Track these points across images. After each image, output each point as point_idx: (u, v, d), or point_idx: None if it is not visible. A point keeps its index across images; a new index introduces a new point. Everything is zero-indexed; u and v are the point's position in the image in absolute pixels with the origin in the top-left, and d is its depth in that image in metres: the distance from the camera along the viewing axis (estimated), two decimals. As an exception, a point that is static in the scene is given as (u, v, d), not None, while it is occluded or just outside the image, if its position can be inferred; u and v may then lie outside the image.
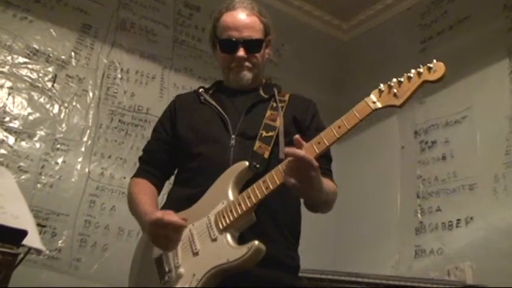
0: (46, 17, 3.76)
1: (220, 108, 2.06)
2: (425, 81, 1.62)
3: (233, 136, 1.96)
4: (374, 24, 4.97)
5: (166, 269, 1.82)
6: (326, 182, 1.84)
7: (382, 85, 1.68)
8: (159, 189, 2.11)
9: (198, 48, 4.35)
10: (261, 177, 1.78)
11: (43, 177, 3.48)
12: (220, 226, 1.76)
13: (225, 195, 1.81)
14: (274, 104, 2.06)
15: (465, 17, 4.05)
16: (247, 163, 1.84)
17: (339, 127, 1.68)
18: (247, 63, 2.08)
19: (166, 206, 2.01)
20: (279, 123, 1.97)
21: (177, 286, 1.75)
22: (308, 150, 1.67)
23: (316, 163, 1.65)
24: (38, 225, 2.96)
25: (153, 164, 2.13)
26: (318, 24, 5.16)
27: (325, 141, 1.68)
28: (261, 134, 1.95)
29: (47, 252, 3.37)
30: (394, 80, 1.66)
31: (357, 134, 4.19)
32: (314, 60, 4.98)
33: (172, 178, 2.16)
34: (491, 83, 3.69)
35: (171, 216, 1.78)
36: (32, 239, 1.65)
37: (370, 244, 4.11)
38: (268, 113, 2.02)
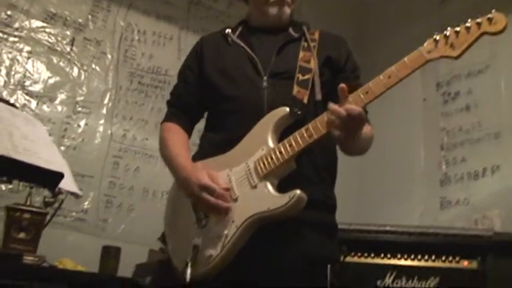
0: (62, -20, 3.73)
1: (249, 49, 1.98)
2: (485, 33, 1.55)
3: (265, 78, 1.90)
4: (391, -21, 4.87)
5: (204, 214, 1.81)
6: (366, 129, 1.79)
7: (437, 35, 1.62)
8: (189, 134, 2.07)
9: (214, 8, 4.31)
10: (300, 123, 1.75)
11: (66, 140, 3.50)
12: (260, 173, 1.74)
13: (264, 142, 1.78)
14: (306, 44, 1.98)
15: (485, -35, 3.96)
16: (287, 109, 1.79)
17: (389, 77, 1.61)
18: None
19: (200, 153, 1.99)
20: (313, 64, 1.91)
21: (215, 231, 1.75)
22: (355, 100, 1.63)
23: (365, 117, 1.63)
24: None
25: (182, 108, 2.07)
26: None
27: (374, 92, 1.63)
28: (298, 77, 1.88)
29: (74, 214, 3.41)
30: (450, 29, 1.60)
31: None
32: (332, 16, 4.88)
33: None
34: (514, 30, 3.62)
35: (217, 183, 1.76)
36: (68, 183, 1.64)
37: (393, 198, 4.09)
38: (301, 54, 1.95)
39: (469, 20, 1.58)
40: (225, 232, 1.72)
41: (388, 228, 3.00)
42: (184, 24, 4.13)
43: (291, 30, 2.06)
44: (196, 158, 1.96)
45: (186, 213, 1.87)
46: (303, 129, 1.72)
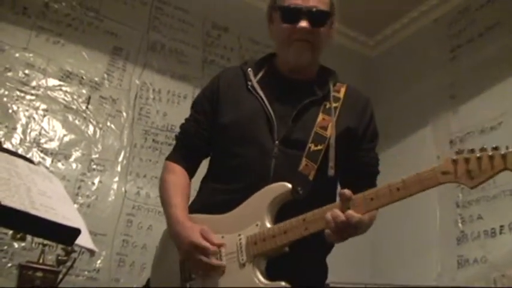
0: (78, 40, 3.82)
1: (268, 104, 1.86)
2: (508, 169, 1.43)
3: (276, 142, 1.80)
4: (400, 39, 4.94)
5: (190, 276, 1.77)
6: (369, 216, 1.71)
7: (457, 155, 1.49)
8: (191, 176, 1.98)
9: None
10: (301, 202, 1.70)
11: (80, 197, 3.49)
12: (251, 252, 1.69)
13: (260, 217, 1.72)
14: (328, 105, 1.88)
15: (494, 23, 4.01)
16: (290, 186, 1.71)
17: (398, 189, 1.54)
18: (310, 38, 1.87)
19: (199, 201, 1.93)
20: (330, 132, 1.81)
21: None
22: (358, 203, 1.57)
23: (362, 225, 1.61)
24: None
25: (190, 148, 1.98)
26: (344, 41, 5.13)
27: (380, 201, 1.55)
28: (309, 147, 1.79)
29: (86, 273, 3.37)
30: (472, 153, 1.47)
31: (391, 146, 4.16)
32: (342, 77, 4.94)
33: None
34: (525, 87, 3.64)
35: (210, 240, 1.70)
36: (84, 239, 1.62)
37: (410, 257, 4.03)
38: (320, 117, 1.84)
39: (491, 148, 1.45)
40: None
41: None
42: (199, 83, 4.16)
43: (316, 86, 1.95)
44: (194, 204, 1.91)
45: (173, 269, 1.81)
46: (300, 219, 1.65)
